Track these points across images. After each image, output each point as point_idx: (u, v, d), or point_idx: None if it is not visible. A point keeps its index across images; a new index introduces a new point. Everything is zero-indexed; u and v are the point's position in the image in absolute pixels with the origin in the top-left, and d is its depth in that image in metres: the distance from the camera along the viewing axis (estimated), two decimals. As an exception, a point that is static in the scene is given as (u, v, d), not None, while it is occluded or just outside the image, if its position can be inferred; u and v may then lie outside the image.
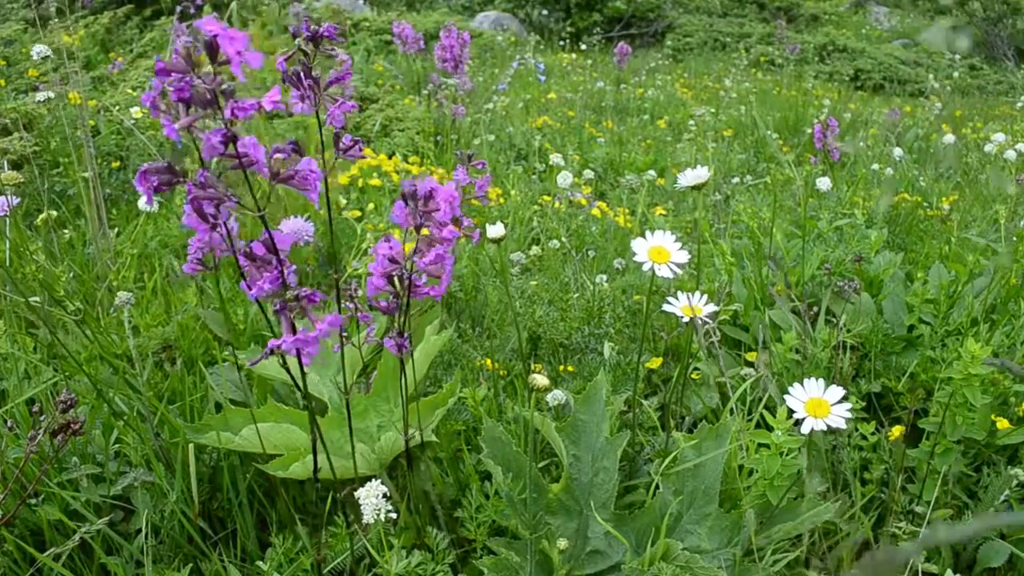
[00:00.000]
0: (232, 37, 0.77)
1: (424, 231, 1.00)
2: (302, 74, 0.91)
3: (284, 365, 0.97)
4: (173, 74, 0.78)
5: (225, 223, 0.87)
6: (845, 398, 1.03)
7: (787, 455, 1.12)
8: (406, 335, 1.07)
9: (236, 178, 0.85)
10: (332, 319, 0.92)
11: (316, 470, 1.06)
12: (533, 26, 10.71)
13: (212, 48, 0.78)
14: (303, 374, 0.97)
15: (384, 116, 3.73)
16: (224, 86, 0.79)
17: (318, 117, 0.94)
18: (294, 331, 0.90)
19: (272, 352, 0.91)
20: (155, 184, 0.84)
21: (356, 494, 0.90)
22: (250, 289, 0.89)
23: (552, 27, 10.81)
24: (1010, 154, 2.87)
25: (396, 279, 1.03)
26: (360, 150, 0.97)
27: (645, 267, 1.14)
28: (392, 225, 2.34)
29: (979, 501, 1.39)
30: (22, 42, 4.09)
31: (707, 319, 1.19)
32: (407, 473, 1.30)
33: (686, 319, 1.19)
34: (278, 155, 0.86)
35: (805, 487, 1.25)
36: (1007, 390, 1.51)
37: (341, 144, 0.96)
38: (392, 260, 1.02)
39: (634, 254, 1.15)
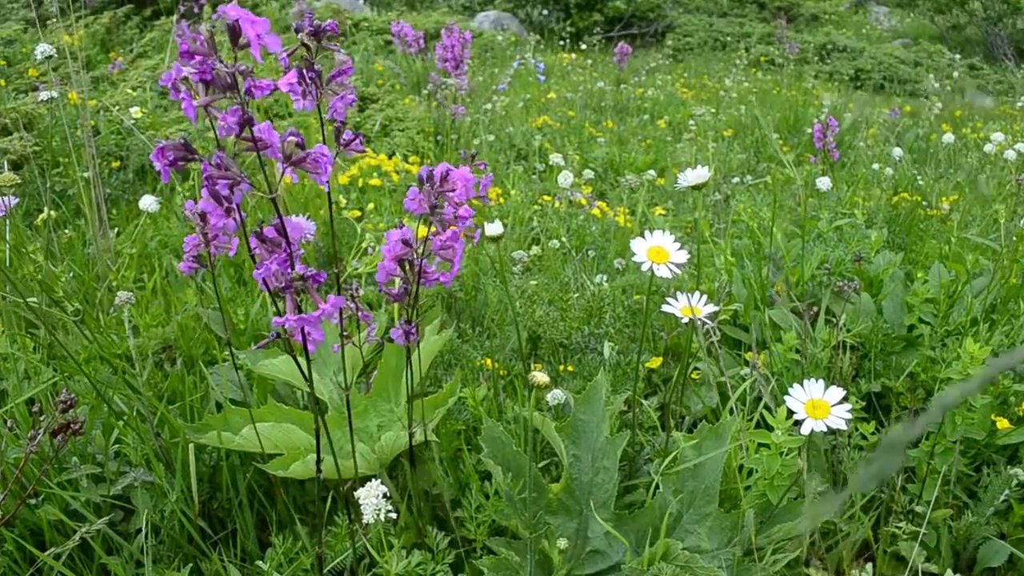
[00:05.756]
0: (253, 21, 0.80)
1: (439, 210, 1.01)
2: (304, 68, 0.92)
3: (291, 353, 0.98)
4: (197, 57, 0.81)
5: (239, 207, 0.88)
6: (845, 399, 1.03)
7: (787, 455, 1.12)
8: (414, 324, 1.07)
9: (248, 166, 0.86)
10: (335, 300, 0.93)
11: (319, 464, 1.06)
12: (533, 26, 10.70)
13: (234, 31, 0.81)
14: (308, 361, 0.97)
15: (384, 116, 3.73)
16: (242, 67, 0.80)
17: (320, 111, 0.95)
18: (299, 312, 0.91)
19: (279, 336, 0.92)
20: (171, 159, 0.86)
21: (356, 494, 0.90)
22: (257, 270, 0.90)
23: (552, 27, 10.81)
24: (1010, 154, 2.87)
25: (407, 264, 1.04)
26: (361, 144, 0.97)
27: (644, 267, 1.14)
28: (391, 226, 2.34)
29: (979, 501, 1.39)
30: (22, 42, 4.09)
31: (707, 319, 1.19)
32: (408, 472, 1.30)
33: (686, 320, 1.19)
34: (291, 138, 0.88)
35: (805, 487, 1.25)
36: (1007, 390, 1.51)
37: (342, 139, 0.97)
38: (405, 243, 1.02)
39: (633, 254, 1.15)
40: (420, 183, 1.00)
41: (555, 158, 2.61)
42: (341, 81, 0.97)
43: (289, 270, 0.90)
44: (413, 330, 1.08)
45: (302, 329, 0.92)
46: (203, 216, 1.06)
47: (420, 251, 1.03)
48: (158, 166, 0.86)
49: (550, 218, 2.50)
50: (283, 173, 0.88)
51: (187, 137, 0.88)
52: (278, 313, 0.93)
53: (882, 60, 9.98)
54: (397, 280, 1.08)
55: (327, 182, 0.90)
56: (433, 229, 1.03)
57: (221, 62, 0.80)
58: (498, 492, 1.21)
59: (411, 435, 1.21)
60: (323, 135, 0.96)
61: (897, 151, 3.43)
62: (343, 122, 0.96)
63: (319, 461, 1.07)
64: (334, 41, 0.94)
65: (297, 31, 0.93)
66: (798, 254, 2.00)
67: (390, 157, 3.16)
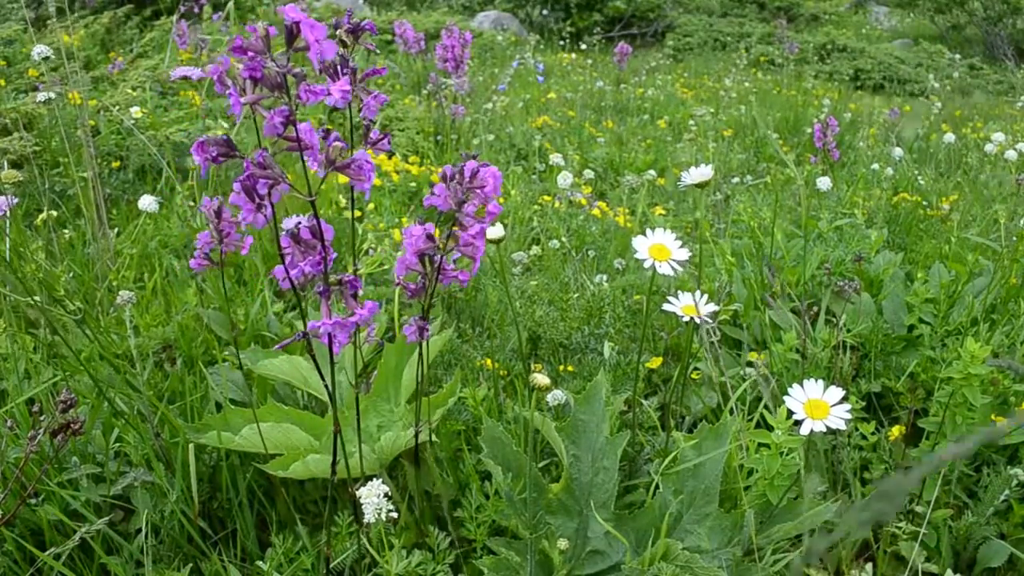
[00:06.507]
0: (313, 25, 0.80)
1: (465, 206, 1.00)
2: (339, 65, 0.92)
3: (311, 352, 0.98)
4: (249, 53, 0.80)
5: (273, 205, 0.88)
6: (844, 399, 1.03)
7: (787, 455, 1.12)
8: (428, 321, 1.06)
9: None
10: (371, 306, 0.93)
11: (335, 467, 1.06)
12: (533, 26, 10.70)
13: (292, 33, 0.80)
14: (332, 364, 0.97)
15: (384, 116, 3.73)
16: (296, 70, 0.81)
17: (349, 108, 0.94)
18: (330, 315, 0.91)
19: (306, 335, 0.91)
20: (213, 155, 0.86)
21: (357, 494, 0.90)
22: (287, 271, 0.90)
23: (552, 27, 10.81)
24: (1010, 154, 2.87)
25: (427, 260, 1.03)
26: (388, 143, 0.97)
27: (646, 264, 1.14)
28: (392, 226, 2.34)
29: (979, 501, 1.39)
30: (22, 42, 4.09)
31: (707, 319, 1.19)
32: (409, 472, 1.30)
33: (686, 319, 1.19)
34: (336, 143, 0.87)
35: (805, 487, 1.25)
36: (1007, 390, 1.51)
37: (370, 137, 0.97)
38: (429, 237, 1.02)
39: (635, 252, 1.15)
40: (443, 178, 0.99)
41: (555, 158, 2.61)
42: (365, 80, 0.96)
43: (322, 271, 0.90)
44: (427, 326, 1.07)
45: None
46: (217, 212, 1.06)
47: (443, 247, 1.02)
48: (198, 160, 0.85)
49: (550, 218, 2.50)
50: (324, 176, 0.88)
51: (189, 136, 0.87)
52: (302, 315, 0.93)
53: (882, 60, 9.98)
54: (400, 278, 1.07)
55: (368, 190, 0.90)
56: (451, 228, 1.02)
57: (273, 61, 0.80)
58: (498, 492, 1.21)
59: (416, 434, 1.21)
60: (350, 133, 0.96)
61: (897, 151, 3.43)
62: (373, 120, 0.96)
63: (335, 463, 1.07)
64: (371, 40, 0.94)
65: (336, 27, 0.93)
66: (798, 254, 2.00)
67: (390, 157, 3.16)
